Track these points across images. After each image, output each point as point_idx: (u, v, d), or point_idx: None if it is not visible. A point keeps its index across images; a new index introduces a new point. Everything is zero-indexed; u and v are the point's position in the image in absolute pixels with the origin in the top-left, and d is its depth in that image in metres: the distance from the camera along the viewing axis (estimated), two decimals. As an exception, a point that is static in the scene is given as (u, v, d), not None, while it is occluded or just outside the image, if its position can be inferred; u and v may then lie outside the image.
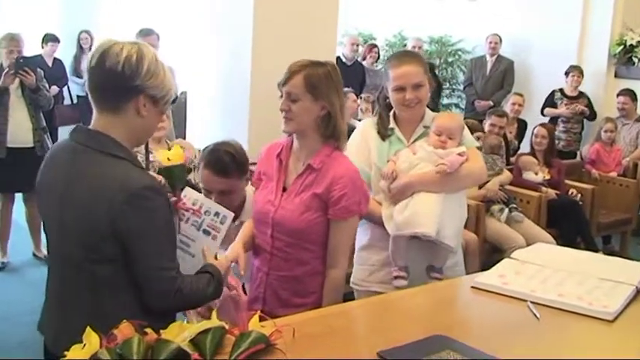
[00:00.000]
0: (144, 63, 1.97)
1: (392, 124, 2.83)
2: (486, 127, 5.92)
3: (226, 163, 2.74)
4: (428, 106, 2.86)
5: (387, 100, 2.83)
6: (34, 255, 5.66)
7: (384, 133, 2.82)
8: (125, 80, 1.96)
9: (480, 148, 5.34)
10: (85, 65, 2.02)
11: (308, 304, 2.40)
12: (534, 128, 6.23)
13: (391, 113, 2.84)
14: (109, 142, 1.98)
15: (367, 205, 2.46)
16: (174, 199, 2.26)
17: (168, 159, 2.31)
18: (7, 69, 5.24)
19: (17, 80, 5.34)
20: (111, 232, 1.90)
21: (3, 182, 5.34)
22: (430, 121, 2.81)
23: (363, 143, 2.81)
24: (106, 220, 1.89)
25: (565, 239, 5.44)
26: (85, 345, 1.64)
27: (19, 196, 5.56)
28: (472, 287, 2.37)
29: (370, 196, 2.59)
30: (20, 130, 5.33)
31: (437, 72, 9.72)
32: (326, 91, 2.36)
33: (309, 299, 2.42)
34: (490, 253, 5.11)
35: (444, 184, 2.67)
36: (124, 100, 1.98)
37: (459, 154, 2.71)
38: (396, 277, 2.70)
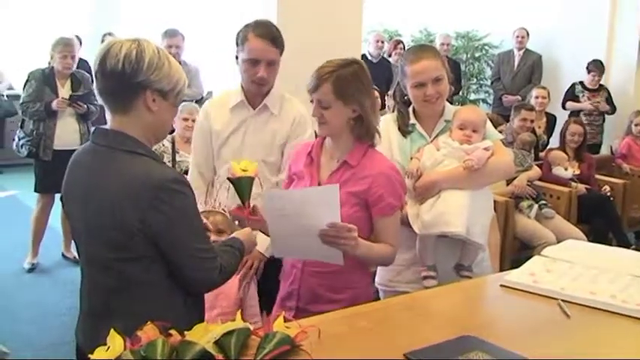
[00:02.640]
0: (144, 57, 1.93)
1: (413, 120, 2.79)
2: (516, 122, 5.83)
3: (276, 33, 2.90)
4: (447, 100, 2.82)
5: (405, 97, 2.78)
6: (63, 256, 5.71)
7: (404, 129, 2.78)
8: (128, 78, 1.93)
9: (506, 143, 5.31)
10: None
11: (344, 300, 2.36)
12: (567, 124, 6.10)
13: (410, 109, 2.80)
14: (127, 139, 1.97)
15: (405, 195, 2.46)
16: (241, 208, 2.33)
17: (243, 170, 2.33)
18: (61, 100, 5.39)
19: (67, 84, 5.50)
20: (140, 228, 1.88)
21: (47, 183, 5.39)
22: (451, 115, 2.76)
23: (384, 141, 2.73)
24: (134, 217, 1.88)
25: (596, 235, 5.36)
26: (109, 347, 1.63)
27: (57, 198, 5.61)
28: (501, 285, 2.33)
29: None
30: (67, 133, 5.42)
31: (463, 67, 9.66)
32: (355, 93, 2.33)
33: (345, 295, 2.39)
34: (520, 250, 5.05)
35: (471, 181, 2.62)
36: (132, 98, 1.96)
37: (485, 149, 2.65)
38: (425, 277, 2.66)
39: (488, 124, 2.81)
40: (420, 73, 2.66)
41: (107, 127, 2.04)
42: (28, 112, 5.42)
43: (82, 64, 8.34)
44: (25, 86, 5.53)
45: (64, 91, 5.49)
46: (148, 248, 1.92)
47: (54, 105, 5.36)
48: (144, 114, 1.98)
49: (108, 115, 2.05)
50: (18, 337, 4.15)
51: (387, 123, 2.82)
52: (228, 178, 2.38)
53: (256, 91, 2.97)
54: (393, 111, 2.93)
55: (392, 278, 2.79)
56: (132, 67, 1.92)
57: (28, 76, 5.53)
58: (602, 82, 7.72)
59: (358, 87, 2.33)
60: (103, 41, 8.49)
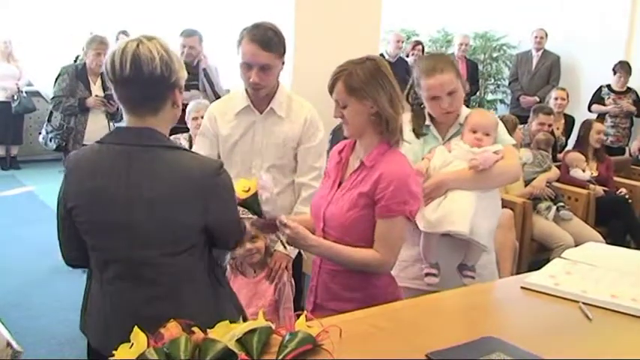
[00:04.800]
0: (172, 56, 1.99)
1: (427, 122, 2.80)
2: (533, 125, 5.80)
3: (270, 37, 2.82)
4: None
5: (418, 100, 2.80)
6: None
7: (419, 131, 2.79)
8: (166, 80, 1.97)
9: (523, 144, 5.29)
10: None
11: (356, 298, 2.35)
12: (588, 125, 5.99)
13: (425, 111, 2.81)
14: (162, 136, 2.01)
15: (417, 206, 2.37)
16: (262, 221, 2.39)
17: (245, 191, 2.34)
18: (97, 99, 5.56)
19: (99, 81, 5.67)
20: (200, 217, 1.97)
21: None
22: (464, 118, 2.77)
23: None
24: (195, 208, 1.95)
25: (614, 238, 5.32)
26: (132, 344, 1.64)
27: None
28: (522, 287, 2.33)
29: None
30: (97, 129, 5.49)
31: (481, 67, 9.61)
32: (367, 88, 2.29)
33: (358, 294, 2.38)
34: (537, 252, 5.03)
35: (477, 182, 2.64)
36: (166, 98, 2.01)
37: (495, 152, 2.68)
38: (427, 274, 2.69)
39: (502, 128, 2.82)
40: (433, 87, 2.69)
41: (134, 126, 2.02)
42: (60, 106, 5.55)
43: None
44: (57, 80, 5.64)
45: (96, 88, 5.64)
46: (202, 237, 2.02)
47: (89, 102, 5.52)
48: (170, 110, 2.04)
49: (127, 116, 2.04)
50: (34, 331, 4.18)
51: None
52: (239, 203, 2.40)
53: (254, 95, 2.95)
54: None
55: (397, 274, 2.78)
56: (168, 69, 1.96)
57: (61, 71, 5.66)
58: (629, 85, 7.62)
59: (370, 82, 2.29)
60: (117, 39, 8.66)
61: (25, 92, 8.83)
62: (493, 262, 2.89)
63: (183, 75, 2.03)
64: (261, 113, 2.98)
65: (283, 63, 2.93)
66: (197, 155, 2.09)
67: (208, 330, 1.71)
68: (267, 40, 2.82)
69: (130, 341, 1.66)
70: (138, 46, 1.93)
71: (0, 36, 8.70)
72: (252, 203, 2.33)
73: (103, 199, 1.96)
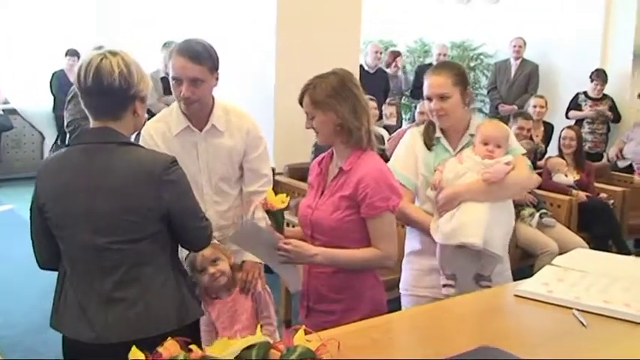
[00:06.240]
0: (132, 71, 2.17)
1: (438, 134, 2.84)
2: (513, 130, 5.84)
3: (199, 50, 2.78)
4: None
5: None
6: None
7: (429, 142, 2.84)
8: (124, 92, 2.16)
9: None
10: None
11: (345, 299, 2.49)
12: (561, 131, 6.16)
13: (437, 123, 2.84)
14: (118, 134, 2.18)
15: (398, 199, 2.47)
16: (279, 236, 2.47)
17: (282, 202, 2.49)
18: None
19: None
20: (156, 205, 2.13)
21: None
22: (475, 129, 2.80)
23: (409, 154, 2.84)
24: (148, 194, 2.12)
25: (596, 243, 5.34)
26: (130, 364, 1.63)
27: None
28: (515, 295, 2.33)
29: (404, 197, 2.60)
30: None
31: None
32: (329, 101, 2.44)
33: (345, 294, 2.49)
34: (522, 259, 5.05)
35: (490, 193, 2.66)
36: (125, 108, 2.20)
37: (506, 164, 2.69)
38: (444, 286, 2.72)
39: (512, 138, 2.85)
40: (427, 87, 2.80)
41: (95, 126, 2.20)
42: (78, 130, 4.86)
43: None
44: (68, 104, 5.22)
45: None
46: (158, 225, 2.17)
47: None
48: (131, 118, 2.23)
49: (92, 122, 2.22)
50: (20, 349, 4.15)
51: (412, 136, 2.91)
52: (267, 210, 2.50)
53: (188, 112, 2.87)
54: (389, 117, 2.98)
55: (414, 284, 2.86)
56: (127, 83, 2.15)
57: (73, 94, 5.10)
58: (605, 92, 7.75)
59: (332, 95, 2.44)
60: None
61: (2, 110, 8.75)
62: (508, 269, 2.91)
63: (143, 87, 2.21)
64: (201, 131, 2.91)
65: (217, 79, 2.85)
66: (151, 151, 2.35)
67: (206, 347, 1.69)
68: (195, 53, 2.75)
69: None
70: (101, 60, 2.14)
71: (-25, 54, 8.63)
72: (279, 215, 2.48)
73: (67, 192, 2.14)
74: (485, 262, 2.69)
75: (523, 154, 2.85)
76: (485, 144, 2.73)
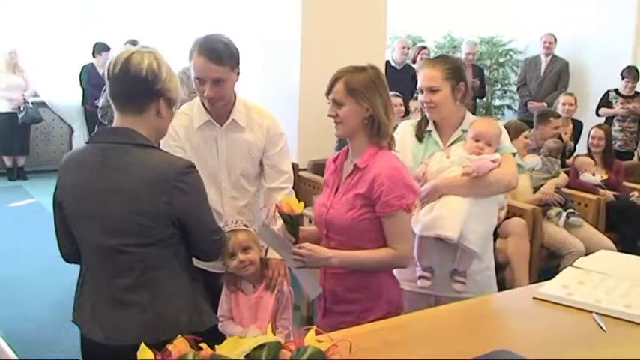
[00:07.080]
0: (162, 69, 2.16)
1: (430, 127, 2.87)
2: (542, 129, 5.75)
3: (220, 50, 2.74)
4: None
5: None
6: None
7: (420, 135, 2.88)
8: (149, 84, 2.14)
9: (530, 150, 5.25)
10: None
11: (360, 299, 2.47)
12: (590, 130, 6.07)
13: (430, 116, 2.88)
14: (138, 136, 2.16)
15: (414, 198, 2.46)
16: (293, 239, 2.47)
17: (299, 207, 2.48)
18: None
19: None
20: (165, 210, 2.10)
21: None
22: (468, 125, 2.82)
23: (398, 145, 2.76)
24: (159, 199, 2.09)
25: (625, 244, 5.26)
26: (139, 361, 1.63)
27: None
28: (534, 298, 2.29)
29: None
30: None
31: (487, 73, 9.58)
32: (366, 92, 2.41)
33: (361, 294, 2.47)
34: (548, 259, 4.98)
35: (470, 189, 2.68)
36: (148, 102, 2.17)
37: (492, 161, 2.70)
38: (420, 277, 2.75)
39: (504, 136, 2.85)
40: (420, 78, 2.85)
41: (114, 126, 2.21)
42: (107, 117, 5.48)
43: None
44: (104, 91, 5.47)
45: None
46: (170, 230, 2.14)
47: None
48: (154, 118, 2.19)
49: (115, 115, 2.21)
50: (38, 343, 4.20)
51: (403, 128, 2.94)
52: (284, 213, 2.47)
53: (211, 108, 2.88)
54: (414, 112, 2.99)
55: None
56: (154, 75, 2.14)
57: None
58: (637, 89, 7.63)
59: (369, 87, 2.42)
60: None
61: (32, 103, 8.84)
62: (491, 268, 2.90)
63: (171, 87, 2.19)
64: (221, 126, 2.92)
65: (238, 74, 2.83)
66: (170, 155, 2.27)
67: (216, 346, 1.68)
68: (217, 54, 2.71)
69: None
70: (133, 53, 2.15)
71: (5, 47, 8.72)
72: (296, 220, 2.47)
73: (82, 192, 2.16)
74: (461, 257, 2.71)
75: (513, 154, 2.84)
76: (477, 140, 2.74)
